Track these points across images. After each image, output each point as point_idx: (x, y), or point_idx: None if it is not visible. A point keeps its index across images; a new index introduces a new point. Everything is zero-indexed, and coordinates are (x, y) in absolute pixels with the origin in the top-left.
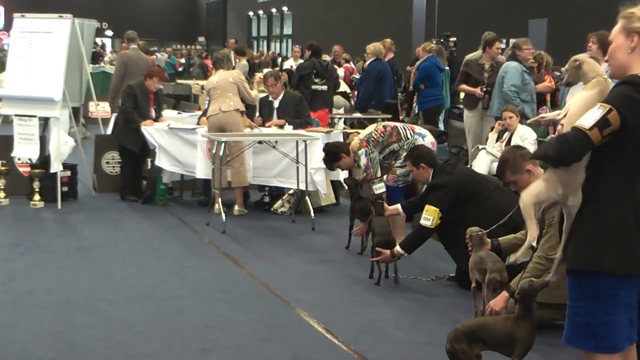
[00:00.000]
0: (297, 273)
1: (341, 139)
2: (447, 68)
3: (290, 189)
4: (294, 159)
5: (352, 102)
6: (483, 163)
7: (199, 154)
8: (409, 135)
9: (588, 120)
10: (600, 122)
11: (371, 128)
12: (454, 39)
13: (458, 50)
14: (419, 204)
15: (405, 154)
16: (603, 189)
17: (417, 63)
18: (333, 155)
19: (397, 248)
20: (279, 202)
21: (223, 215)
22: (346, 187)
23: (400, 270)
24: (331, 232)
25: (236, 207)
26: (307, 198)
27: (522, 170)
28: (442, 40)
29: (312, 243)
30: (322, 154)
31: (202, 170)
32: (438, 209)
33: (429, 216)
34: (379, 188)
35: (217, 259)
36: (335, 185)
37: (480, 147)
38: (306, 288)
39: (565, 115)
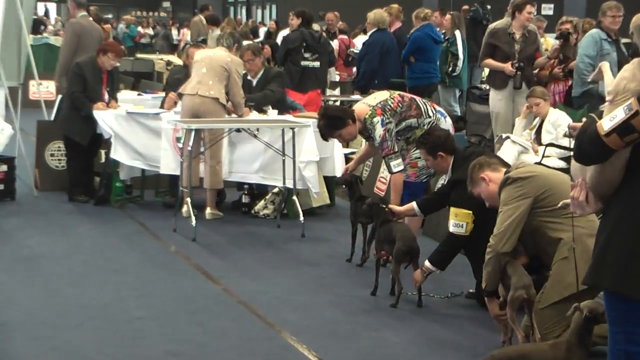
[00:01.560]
0: (284, 289)
1: None
2: (464, 40)
3: (274, 187)
4: (279, 151)
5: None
6: (509, 155)
7: (164, 144)
8: (430, 113)
9: (610, 121)
10: (619, 128)
11: (384, 95)
12: (489, 6)
13: (471, 19)
14: (438, 200)
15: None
16: (625, 192)
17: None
18: (337, 120)
19: (427, 264)
20: (261, 203)
21: (193, 219)
22: (343, 184)
23: (406, 285)
24: (325, 239)
25: (208, 210)
26: (295, 198)
27: (478, 180)
28: (481, 9)
29: (302, 253)
30: (322, 118)
31: (167, 164)
32: (471, 212)
33: (461, 222)
34: (397, 165)
35: (186, 273)
36: (330, 182)
37: (505, 135)
38: (294, 307)
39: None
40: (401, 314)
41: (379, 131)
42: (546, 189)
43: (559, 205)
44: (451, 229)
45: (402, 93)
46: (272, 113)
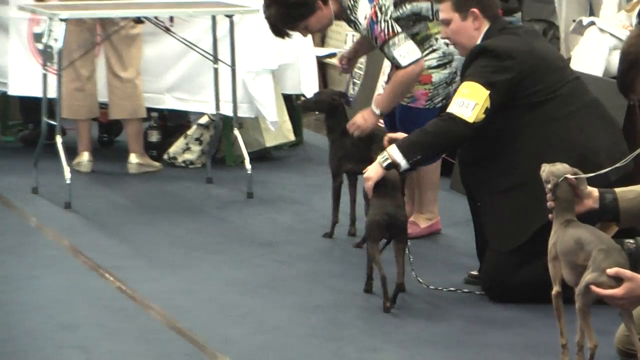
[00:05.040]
0: (220, 287)
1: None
2: None
3: (201, 114)
4: (210, 54)
5: None
6: (596, 50)
7: (14, 47)
8: None
9: None
10: None
11: None
12: None
13: None
14: None
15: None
16: None
17: None
18: (300, 6)
19: (391, 150)
20: (180, 143)
21: (67, 172)
22: (316, 109)
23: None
24: (287, 201)
25: (134, 158)
26: (236, 132)
27: None
28: None
29: (250, 224)
30: (273, 3)
31: (20, 80)
32: (488, 92)
33: (470, 100)
34: (408, 53)
35: (56, 262)
36: (294, 106)
37: (587, 20)
38: (238, 317)
39: None
40: (406, 320)
41: (362, 9)
42: None
43: None
44: (451, 107)
45: None
46: None
